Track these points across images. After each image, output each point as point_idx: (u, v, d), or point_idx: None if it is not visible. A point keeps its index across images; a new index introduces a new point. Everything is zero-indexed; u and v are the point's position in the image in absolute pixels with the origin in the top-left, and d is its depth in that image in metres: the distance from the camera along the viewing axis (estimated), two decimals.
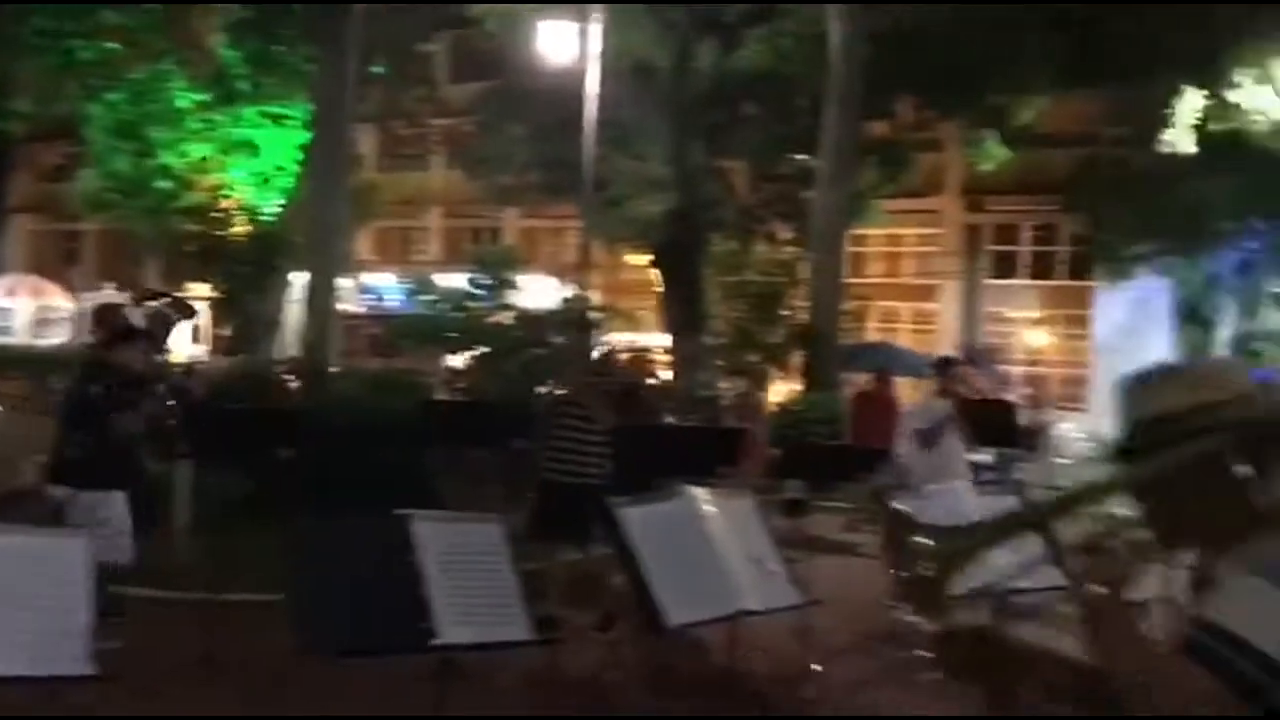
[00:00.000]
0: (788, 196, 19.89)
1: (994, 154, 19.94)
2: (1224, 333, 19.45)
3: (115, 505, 5.45)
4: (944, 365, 7.72)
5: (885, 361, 14.47)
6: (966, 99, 18.74)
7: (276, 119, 18.52)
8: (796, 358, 17.57)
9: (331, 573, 3.24)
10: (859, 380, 14.86)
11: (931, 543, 1.86)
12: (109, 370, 5.73)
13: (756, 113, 19.63)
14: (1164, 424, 1.77)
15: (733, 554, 3.74)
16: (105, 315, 7.17)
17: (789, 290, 18.55)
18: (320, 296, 12.32)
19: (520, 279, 16.20)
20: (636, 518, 3.64)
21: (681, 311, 19.66)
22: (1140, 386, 1.87)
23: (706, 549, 3.54)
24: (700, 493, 4.08)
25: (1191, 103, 17.15)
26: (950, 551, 1.82)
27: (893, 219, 23.52)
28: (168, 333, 6.94)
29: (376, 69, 19.04)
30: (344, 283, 16.19)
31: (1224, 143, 16.96)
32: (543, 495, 6.75)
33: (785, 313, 18.42)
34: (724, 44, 19.07)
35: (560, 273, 23.19)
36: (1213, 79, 16.71)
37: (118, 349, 5.91)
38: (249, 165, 18.77)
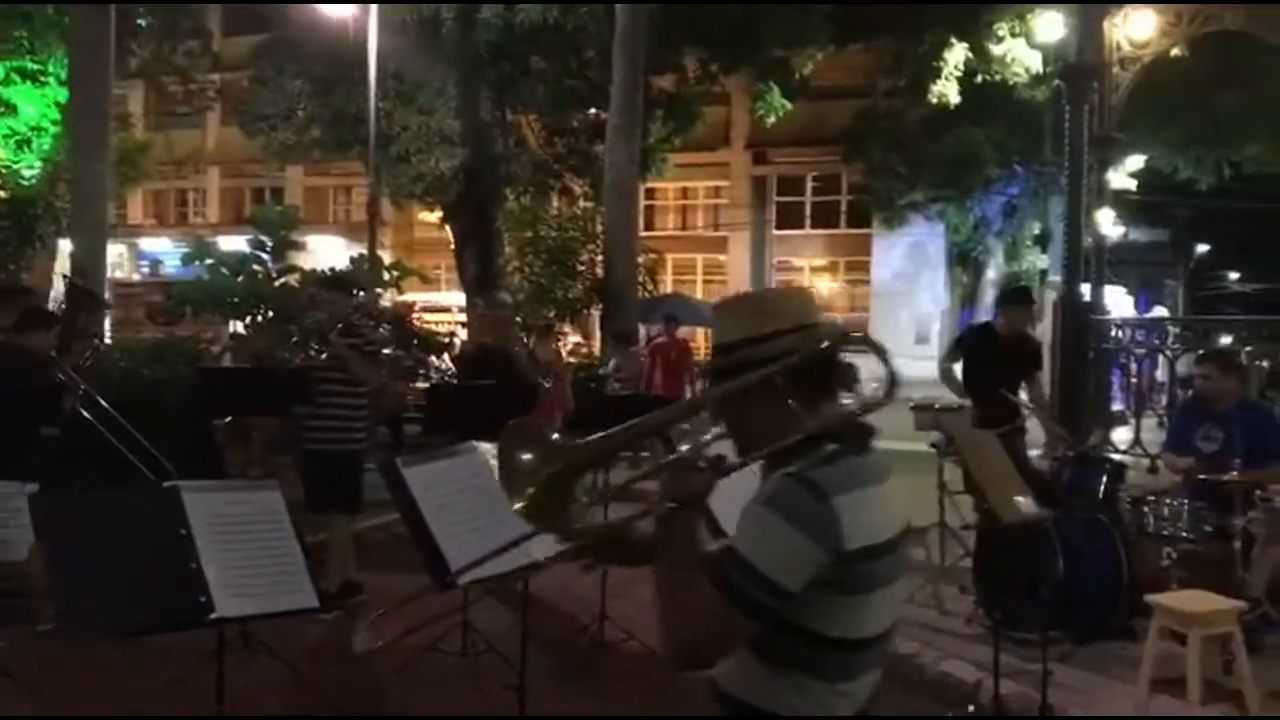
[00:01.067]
0: (580, 151, 19.91)
1: (776, 107, 20.48)
2: (991, 274, 20.69)
3: None
4: None
5: (678, 313, 14.79)
6: (748, 53, 19.14)
7: (32, 76, 17.22)
8: (594, 312, 17.69)
9: (94, 550, 3.08)
10: (654, 332, 15.15)
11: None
12: None
13: (545, 66, 19.50)
14: (724, 350, 1.97)
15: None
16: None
17: (584, 245, 18.62)
18: (86, 263, 11.58)
19: (306, 239, 15.66)
20: (419, 475, 3.61)
21: (477, 269, 19.46)
22: (714, 314, 2.07)
23: (491, 503, 3.54)
24: (487, 447, 4.07)
25: (957, 56, 18.06)
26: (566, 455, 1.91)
27: (683, 172, 23.92)
28: None
29: (143, 21, 17.93)
30: (115, 249, 15.24)
31: (985, 93, 17.96)
32: (308, 464, 6.62)
33: (581, 268, 18.49)
34: None
35: (349, 232, 22.51)
36: (975, 33, 17.63)
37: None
38: (3, 126, 17.43)
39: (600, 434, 1.92)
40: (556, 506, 1.89)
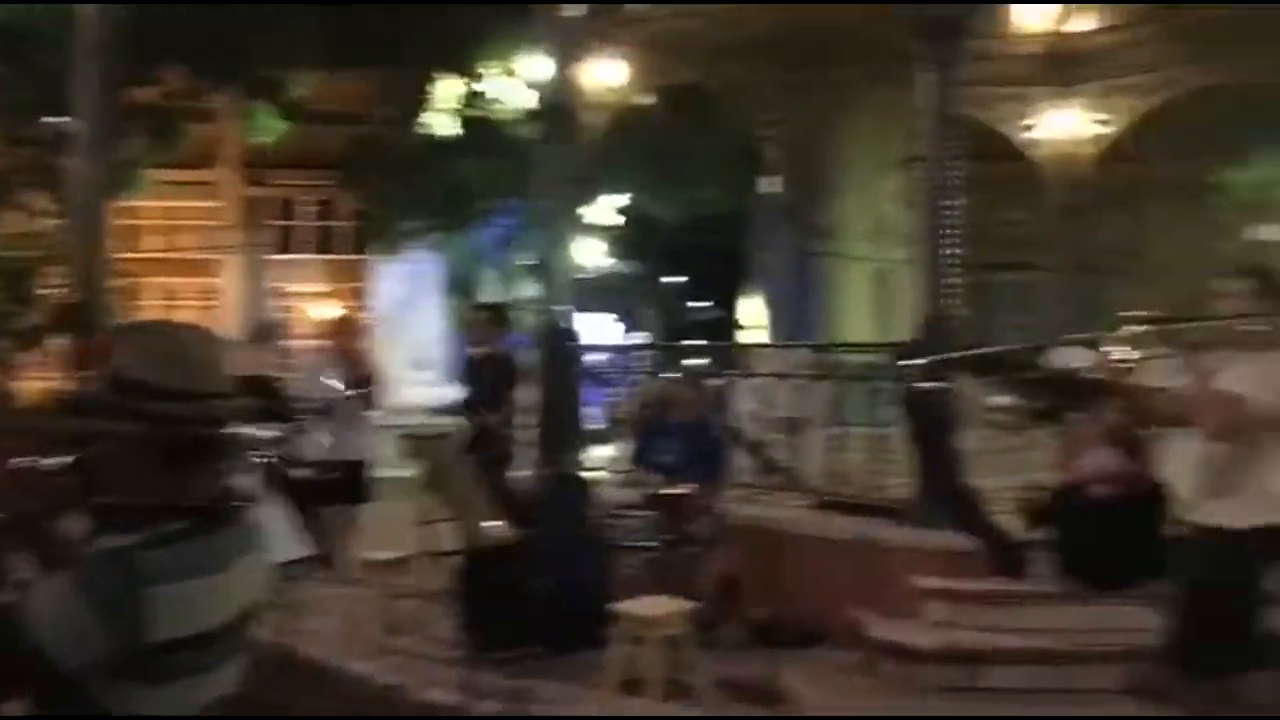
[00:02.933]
0: (41, 163, 17.89)
1: (269, 127, 19.72)
2: (485, 300, 21.27)
3: None
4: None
5: None
6: (233, 70, 18.29)
7: None
8: (57, 341, 15.92)
9: None
10: None
11: None
12: None
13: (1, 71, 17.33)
14: (115, 384, 1.80)
15: None
16: None
17: (45, 266, 16.71)
18: None
19: None
20: None
21: None
22: (118, 337, 1.99)
23: None
24: None
25: (449, 88, 18.48)
26: None
27: (170, 191, 22.34)
28: None
29: None
30: None
31: (477, 127, 18.52)
32: None
33: (43, 292, 16.57)
34: None
35: None
36: (463, 68, 18.15)
37: None
38: None
39: None
40: None
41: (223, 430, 1.81)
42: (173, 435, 1.74)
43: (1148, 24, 10.28)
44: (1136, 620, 5.84)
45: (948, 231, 6.86)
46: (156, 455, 1.73)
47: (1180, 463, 4.26)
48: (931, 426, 6.53)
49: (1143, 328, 4.09)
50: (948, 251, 6.88)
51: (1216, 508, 4.13)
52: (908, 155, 12.67)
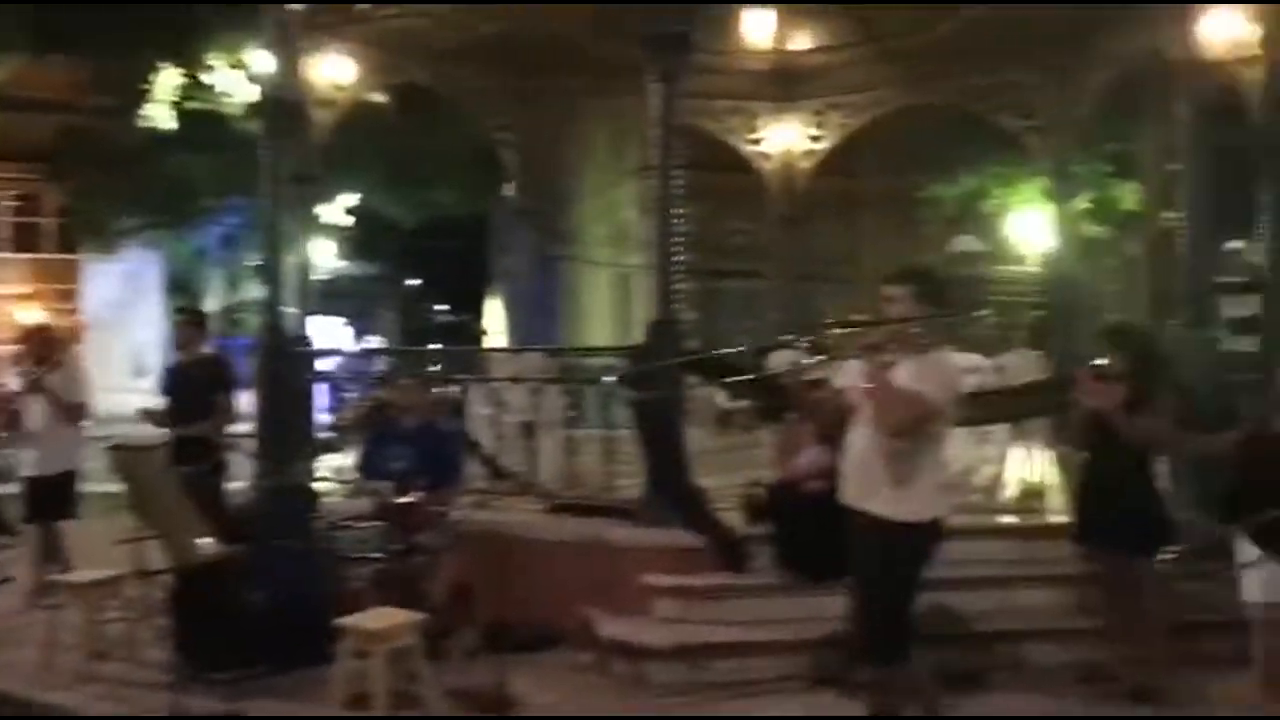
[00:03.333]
0: None
1: None
2: (211, 303, 20.23)
3: None
4: None
5: None
6: None
7: None
8: None
9: None
10: None
11: None
12: None
13: None
14: None
15: None
16: None
17: None
18: None
19: None
20: None
21: None
22: None
23: None
24: None
25: (170, 80, 17.44)
26: None
27: None
28: None
29: None
30: None
31: (202, 121, 17.56)
32: None
33: None
34: None
35: None
36: (186, 59, 17.17)
37: None
38: None
39: None
40: None
41: None
42: None
43: (860, 46, 10.93)
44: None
45: (675, 238, 7.04)
46: None
47: (855, 457, 4.52)
48: (658, 428, 6.68)
49: (836, 332, 4.35)
50: (675, 258, 7.06)
51: (885, 500, 4.41)
52: (642, 164, 12.98)
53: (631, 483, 7.14)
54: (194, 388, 7.00)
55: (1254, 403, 7.63)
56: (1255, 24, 8.04)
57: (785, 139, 11.77)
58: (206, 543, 4.36)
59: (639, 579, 6.36)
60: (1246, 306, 14.61)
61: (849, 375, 4.50)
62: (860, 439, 4.48)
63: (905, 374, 4.34)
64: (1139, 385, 5.59)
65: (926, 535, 4.47)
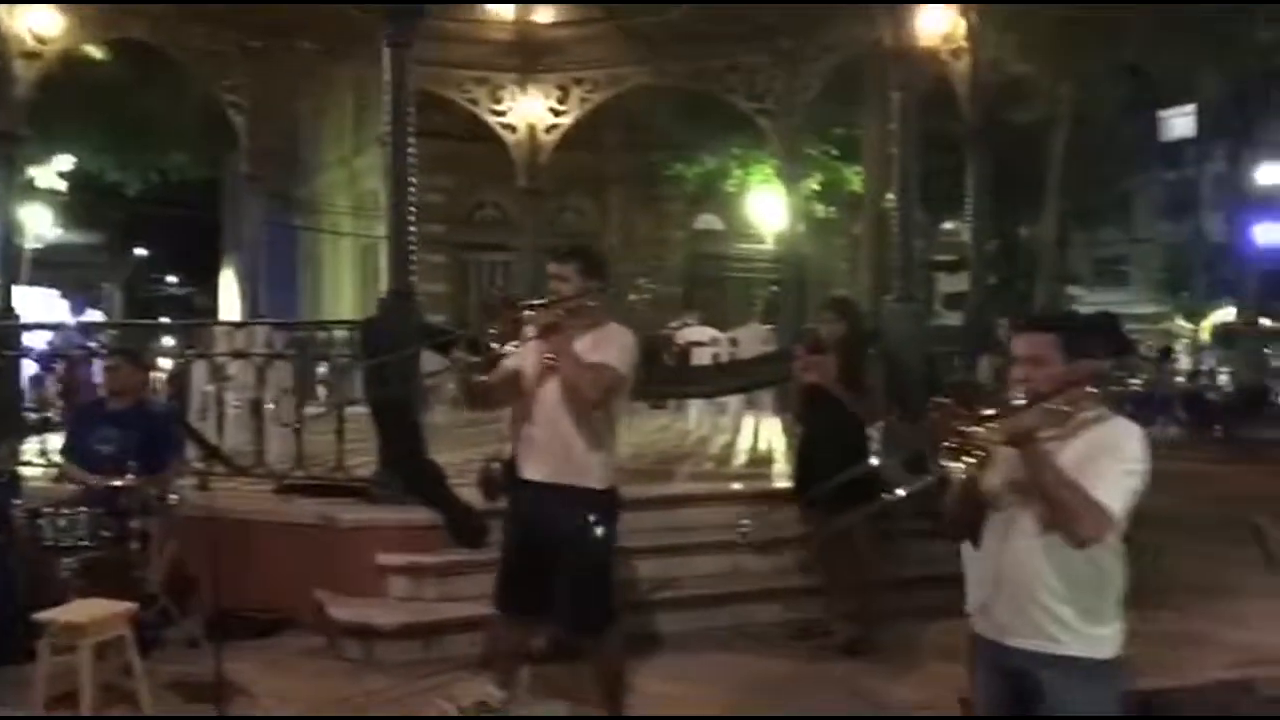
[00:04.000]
0: None
1: None
2: None
3: None
4: None
5: None
6: None
7: None
8: None
9: None
10: None
11: None
12: None
13: None
14: None
15: None
16: None
17: None
18: None
19: None
20: None
21: None
22: None
23: None
24: None
25: None
26: None
27: None
28: None
29: None
30: None
31: None
32: None
33: None
34: None
35: None
36: None
37: None
38: None
39: None
40: None
41: None
42: None
43: (600, 22, 11.04)
44: None
45: (410, 208, 6.90)
46: None
47: (544, 434, 4.54)
48: (391, 404, 6.55)
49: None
50: (410, 228, 6.92)
51: (582, 470, 4.49)
52: (380, 133, 12.67)
53: (365, 460, 6.98)
54: None
55: (958, 371, 8.29)
56: (963, 18, 8.68)
57: (529, 111, 11.77)
58: None
59: (372, 559, 6.24)
60: (959, 283, 15.83)
61: (526, 355, 4.55)
62: (545, 416, 4.52)
63: (584, 347, 4.43)
64: (851, 356, 5.94)
65: (617, 500, 4.61)
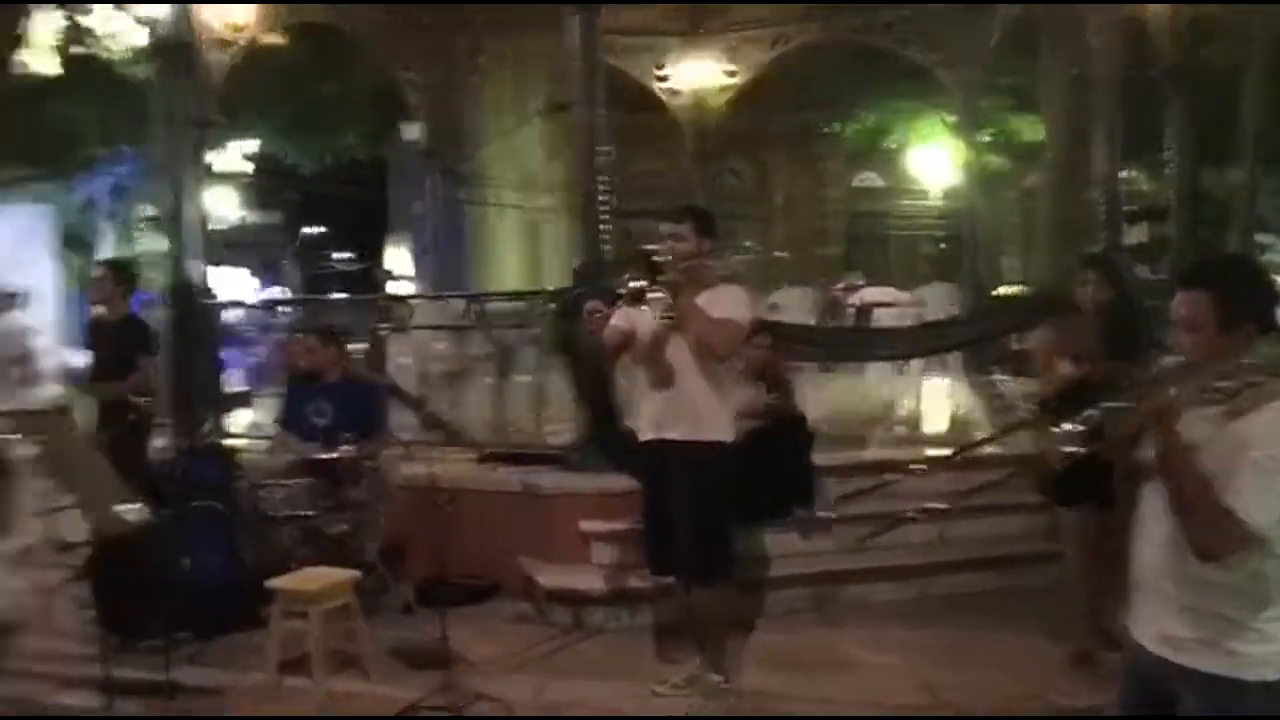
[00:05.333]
0: None
1: None
2: (105, 256, 19.45)
3: None
4: None
5: None
6: None
7: None
8: None
9: None
10: None
11: None
12: None
13: None
14: None
15: None
16: None
17: None
18: None
19: None
20: None
21: None
22: None
23: None
24: None
25: (51, 24, 16.50)
26: None
27: None
28: None
29: None
30: None
31: (85, 67, 16.70)
32: None
33: None
34: None
35: None
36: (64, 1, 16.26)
37: None
38: None
39: None
40: None
41: None
42: None
43: None
44: (788, 546, 6.24)
45: (599, 177, 6.86)
46: None
47: (676, 393, 4.60)
48: (589, 372, 6.57)
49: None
50: (600, 198, 6.88)
51: (713, 426, 4.59)
52: (550, 104, 12.73)
53: (559, 428, 7.04)
54: (114, 346, 6.52)
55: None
56: None
57: (696, 74, 11.63)
58: (130, 510, 4.14)
59: (575, 526, 6.29)
60: (1138, 233, 15.04)
61: (635, 318, 4.63)
62: (675, 373, 4.55)
63: (703, 304, 4.50)
64: (1120, 323, 5.24)
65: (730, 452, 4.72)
